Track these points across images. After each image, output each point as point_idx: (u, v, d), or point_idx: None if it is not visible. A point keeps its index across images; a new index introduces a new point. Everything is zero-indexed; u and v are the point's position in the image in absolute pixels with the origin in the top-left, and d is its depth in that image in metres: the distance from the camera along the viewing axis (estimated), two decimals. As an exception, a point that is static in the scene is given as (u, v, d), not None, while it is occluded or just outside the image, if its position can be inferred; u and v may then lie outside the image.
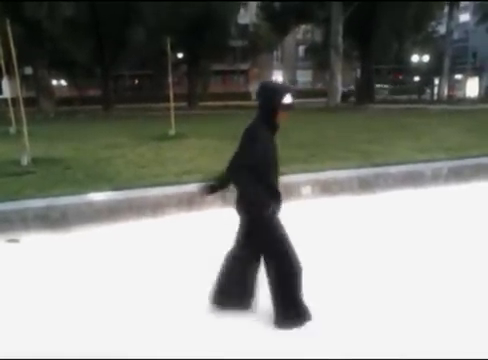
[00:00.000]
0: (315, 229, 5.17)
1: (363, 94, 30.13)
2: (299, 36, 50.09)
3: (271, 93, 2.95)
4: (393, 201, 6.28)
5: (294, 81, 53.61)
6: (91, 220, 5.41)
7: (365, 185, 6.77)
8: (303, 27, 44.31)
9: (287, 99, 2.93)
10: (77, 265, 4.31)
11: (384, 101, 30.39)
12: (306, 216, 5.66)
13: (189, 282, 3.82)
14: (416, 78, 46.50)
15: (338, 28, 24.20)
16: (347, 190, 6.62)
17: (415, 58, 37.25)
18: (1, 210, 5.34)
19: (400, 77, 51.01)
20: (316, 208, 5.98)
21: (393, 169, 7.16)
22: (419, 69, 40.64)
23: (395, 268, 4.04)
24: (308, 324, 3.10)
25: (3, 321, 3.31)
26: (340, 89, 25.24)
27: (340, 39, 24.36)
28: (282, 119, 3.00)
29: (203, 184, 3.28)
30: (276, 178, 3.06)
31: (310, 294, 3.22)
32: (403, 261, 4.19)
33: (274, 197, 3.00)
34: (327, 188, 6.57)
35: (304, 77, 54.52)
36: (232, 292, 3.25)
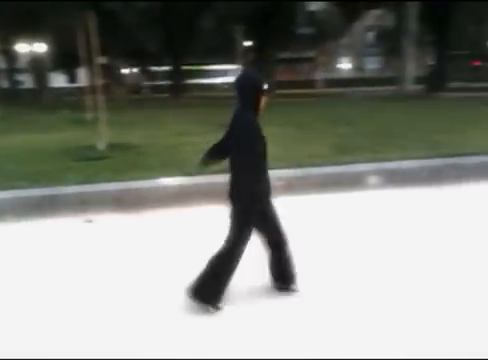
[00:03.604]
0: (376, 221, 5.10)
1: (435, 82, 28.78)
2: (368, 22, 48.54)
3: (252, 80, 3.14)
4: (464, 194, 6.03)
5: (361, 68, 52.15)
6: (162, 204, 5.68)
7: (435, 176, 6.54)
8: (373, 12, 42.88)
9: (266, 85, 3.14)
10: (145, 246, 4.55)
11: (459, 89, 28.87)
12: (370, 207, 5.60)
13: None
14: (495, 64, 43.65)
15: (413, 12, 23.20)
16: (415, 181, 6.43)
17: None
18: (79, 192, 5.74)
19: (478, 64, 48.10)
20: (381, 199, 5.89)
21: (465, 160, 6.89)
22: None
23: (458, 267, 3.91)
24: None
25: (68, 290, 3.60)
26: (410, 76, 24.25)
27: (414, 24, 23.36)
28: (264, 102, 3.17)
29: (201, 157, 3.55)
30: (265, 166, 3.21)
31: (359, 285, 3.21)
32: (468, 259, 4.05)
33: (267, 187, 3.22)
34: (394, 178, 6.44)
35: (372, 64, 52.81)
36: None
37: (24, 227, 5.18)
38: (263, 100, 3.15)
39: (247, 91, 3.12)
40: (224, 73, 42.38)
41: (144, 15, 25.51)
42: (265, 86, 3.12)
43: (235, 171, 3.20)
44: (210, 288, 3.19)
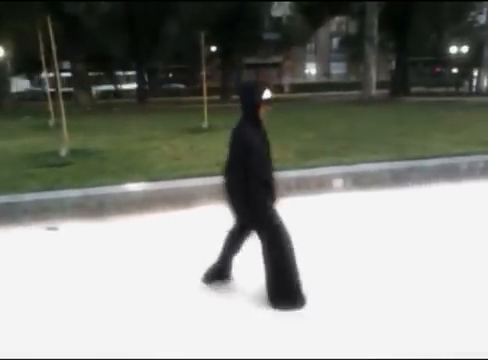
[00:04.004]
0: (344, 222, 5.17)
1: (398, 87, 29.53)
2: (333, 28, 49.42)
3: (252, 90, 3.19)
4: (427, 195, 6.18)
5: (328, 73, 52.99)
6: (126, 210, 5.58)
7: (398, 179, 6.70)
8: (337, 19, 43.69)
9: (266, 94, 3.15)
10: (111, 253, 4.47)
11: (420, 94, 29.70)
12: (336, 209, 5.66)
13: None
14: (454, 70, 45.14)
15: (373, 20, 23.75)
16: (380, 184, 6.56)
17: (453, 49, 36.17)
18: (41, 199, 5.58)
19: (437, 69, 49.64)
20: (347, 201, 5.97)
21: (427, 162, 7.06)
22: (457, 61, 39.45)
23: (423, 266, 4.00)
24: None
25: (40, 300, 3.48)
26: (373, 82, 24.77)
27: (375, 31, 23.89)
28: (264, 113, 3.22)
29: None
30: (270, 172, 3.29)
31: (331, 285, 3.24)
32: (434, 259, 4.15)
33: (270, 193, 3.26)
34: (359, 181, 6.55)
35: (338, 69, 53.71)
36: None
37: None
38: (263, 109, 3.19)
39: (246, 101, 3.20)
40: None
41: (107, 20, 25.17)
42: (265, 95, 3.15)
43: (236, 183, 3.23)
44: (287, 293, 3.26)
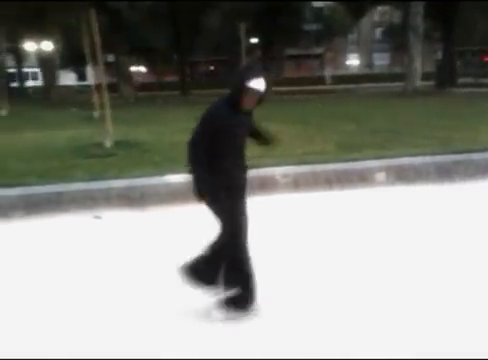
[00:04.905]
0: (387, 218, 5.06)
1: (444, 78, 28.57)
2: (376, 18, 48.29)
3: (238, 75, 2.86)
4: (474, 191, 5.95)
5: (370, 65, 51.89)
6: (167, 200, 5.68)
7: (444, 173, 6.47)
8: (380, 8, 42.66)
9: (255, 84, 2.76)
10: (152, 241, 4.58)
11: (468, 85, 28.63)
12: (379, 204, 5.56)
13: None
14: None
15: (418, 8, 23.04)
16: (424, 178, 6.37)
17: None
18: (87, 189, 5.76)
19: (486, 59, 47.66)
20: (390, 196, 5.84)
21: (475, 156, 6.80)
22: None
23: (464, 266, 3.87)
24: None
25: (85, 288, 3.61)
26: (418, 73, 24.05)
27: (420, 20, 23.18)
28: (249, 104, 2.85)
29: None
30: (235, 161, 2.97)
31: (375, 285, 3.19)
32: (474, 258, 4.01)
33: (228, 181, 2.93)
34: (402, 175, 6.39)
35: (381, 60, 52.51)
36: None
37: (33, 224, 5.21)
38: (247, 100, 2.81)
39: (231, 84, 2.89)
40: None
41: (150, 13, 25.57)
42: (254, 84, 2.76)
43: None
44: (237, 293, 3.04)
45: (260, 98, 2.87)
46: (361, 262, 3.90)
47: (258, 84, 2.77)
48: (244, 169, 3.10)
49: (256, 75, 2.79)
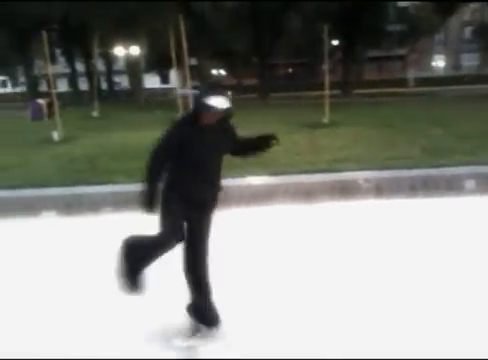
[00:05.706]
0: (472, 230, 4.77)
1: None
2: (466, 17, 45.71)
3: (198, 95, 2.97)
4: None
5: (457, 66, 49.23)
6: (247, 201, 5.78)
7: None
8: (471, 6, 40.33)
9: (214, 102, 2.82)
10: (233, 239, 4.65)
11: None
12: (466, 214, 5.26)
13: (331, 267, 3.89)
14: None
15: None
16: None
17: None
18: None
19: None
20: (480, 206, 5.52)
21: None
22: None
23: None
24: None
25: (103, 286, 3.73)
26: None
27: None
28: (208, 120, 2.90)
29: None
30: (200, 177, 2.98)
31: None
32: None
33: (185, 196, 2.95)
34: (494, 184, 6.02)
35: (469, 61, 49.64)
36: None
37: (121, 218, 5.48)
38: (206, 116, 2.88)
39: (194, 100, 3.06)
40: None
41: (232, 15, 26.05)
42: (215, 102, 2.82)
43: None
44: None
45: (225, 115, 2.95)
46: (443, 278, 3.73)
47: (217, 102, 2.84)
48: (214, 186, 3.08)
49: (217, 94, 2.87)
